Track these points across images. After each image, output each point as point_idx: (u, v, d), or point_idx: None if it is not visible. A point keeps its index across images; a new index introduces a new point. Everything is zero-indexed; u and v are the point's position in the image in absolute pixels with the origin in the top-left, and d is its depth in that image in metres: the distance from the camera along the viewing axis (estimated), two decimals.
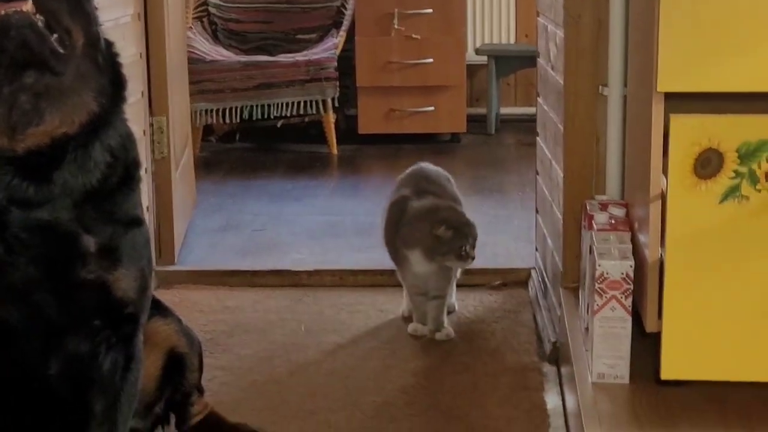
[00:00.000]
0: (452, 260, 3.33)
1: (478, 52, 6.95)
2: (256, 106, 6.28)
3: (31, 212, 2.06)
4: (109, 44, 2.17)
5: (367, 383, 3.08)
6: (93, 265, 2.12)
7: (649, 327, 2.55)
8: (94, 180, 2.12)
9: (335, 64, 6.31)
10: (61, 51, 1.99)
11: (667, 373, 2.52)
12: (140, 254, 2.21)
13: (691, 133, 2.40)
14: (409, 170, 3.61)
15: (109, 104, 2.13)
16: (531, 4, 6.12)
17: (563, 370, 3.03)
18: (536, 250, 3.94)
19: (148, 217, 3.87)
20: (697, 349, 2.49)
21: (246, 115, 6.29)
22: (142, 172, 2.30)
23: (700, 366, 2.51)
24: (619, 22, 3.00)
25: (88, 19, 2.07)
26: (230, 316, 3.63)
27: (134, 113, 3.41)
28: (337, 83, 6.30)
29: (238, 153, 6.51)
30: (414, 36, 6.47)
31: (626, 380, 2.62)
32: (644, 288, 2.55)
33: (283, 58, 6.43)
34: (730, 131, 2.40)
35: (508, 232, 4.53)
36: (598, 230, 2.74)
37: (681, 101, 2.48)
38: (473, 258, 3.33)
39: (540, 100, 3.81)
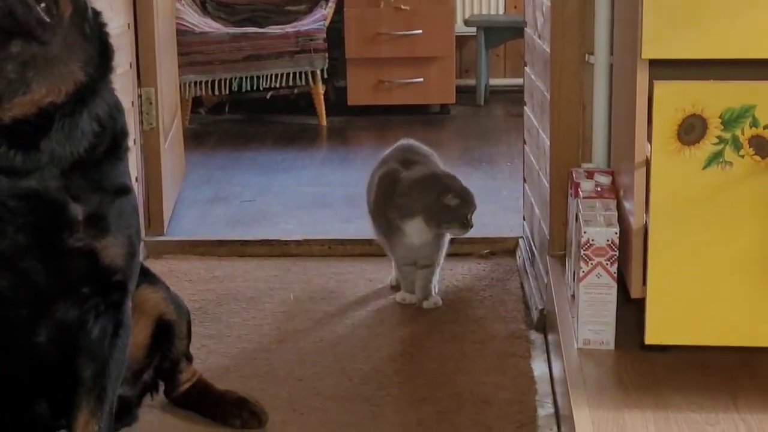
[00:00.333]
0: (455, 228, 3.34)
1: (467, 23, 6.95)
2: (245, 77, 6.28)
3: (18, 181, 2.08)
4: (97, 14, 2.17)
5: (355, 351, 3.10)
6: (81, 233, 2.13)
7: (634, 293, 2.57)
8: (81, 149, 2.13)
9: (324, 35, 6.31)
10: (48, 20, 1.99)
11: (651, 338, 2.54)
12: (128, 222, 2.22)
13: (674, 99, 2.42)
14: (393, 147, 3.61)
15: (96, 74, 2.14)
16: None
17: (550, 337, 3.06)
18: (524, 219, 3.96)
19: (137, 188, 3.88)
20: (681, 314, 2.51)
21: (235, 86, 6.29)
22: (131, 143, 2.31)
23: (684, 331, 2.53)
24: None
25: None
26: (219, 286, 3.64)
27: (122, 84, 3.42)
28: (326, 55, 6.30)
29: (227, 125, 6.51)
30: (403, 7, 6.46)
31: (611, 346, 2.64)
32: (629, 254, 2.57)
33: (272, 29, 6.43)
34: (713, 97, 2.41)
35: (496, 202, 4.54)
36: (584, 198, 2.75)
37: (666, 68, 2.49)
38: (472, 226, 3.35)
39: (527, 69, 3.82)
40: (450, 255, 3.68)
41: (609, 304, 2.63)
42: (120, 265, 2.20)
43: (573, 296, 2.77)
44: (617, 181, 2.83)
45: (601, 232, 2.60)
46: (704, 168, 2.44)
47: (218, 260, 3.91)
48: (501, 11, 7.23)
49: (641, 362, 2.57)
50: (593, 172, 2.92)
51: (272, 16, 6.74)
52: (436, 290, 3.47)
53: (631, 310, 2.69)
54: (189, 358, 2.71)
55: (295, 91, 6.48)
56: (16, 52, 2.00)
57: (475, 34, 6.89)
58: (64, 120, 2.09)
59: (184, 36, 5.98)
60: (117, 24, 3.62)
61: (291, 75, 6.28)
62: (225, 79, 6.26)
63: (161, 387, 2.71)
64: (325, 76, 6.36)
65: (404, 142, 3.63)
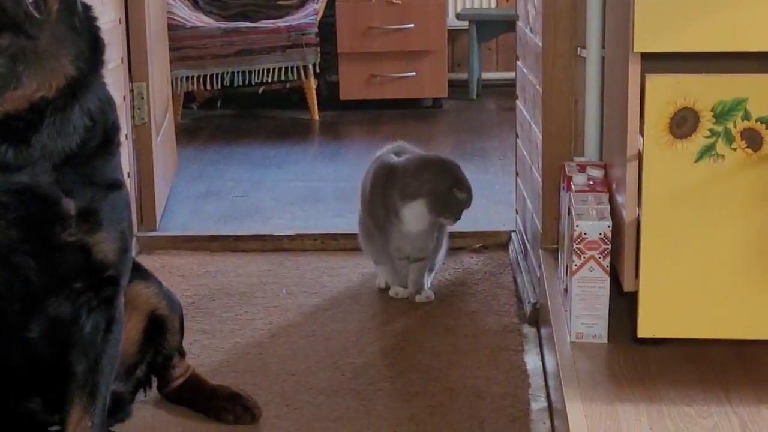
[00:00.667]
0: (450, 219, 3.35)
1: (459, 17, 6.95)
2: (237, 72, 6.27)
3: (10, 176, 2.07)
4: (87, 8, 2.17)
5: (347, 345, 3.10)
6: (73, 228, 2.13)
7: (627, 286, 2.57)
8: (73, 144, 2.12)
9: (316, 29, 6.31)
10: (36, 15, 1.99)
11: (644, 331, 2.54)
12: (120, 217, 2.22)
13: (666, 92, 2.42)
14: (386, 147, 3.60)
15: (87, 68, 2.13)
16: None
17: (543, 330, 3.06)
18: (516, 213, 3.96)
19: (129, 183, 3.87)
20: (674, 307, 2.51)
21: (227, 81, 6.28)
22: (123, 138, 2.31)
23: (676, 324, 2.53)
24: None
25: None
26: (212, 281, 3.64)
27: (114, 79, 3.41)
28: (318, 49, 6.29)
29: (219, 119, 6.51)
30: (395, 1, 6.46)
31: (604, 340, 2.64)
32: (622, 248, 2.57)
33: (263, 24, 6.42)
34: (705, 90, 2.41)
35: (489, 196, 4.55)
36: (577, 191, 2.75)
37: (658, 62, 2.49)
38: (459, 219, 3.37)
39: (519, 63, 3.82)
40: None
41: (602, 297, 2.63)
42: (112, 260, 2.20)
43: (566, 290, 2.77)
44: (609, 175, 2.83)
45: (593, 226, 2.60)
46: (696, 161, 2.44)
47: (211, 255, 3.91)
48: (493, 5, 7.23)
49: (634, 355, 2.57)
50: (585, 165, 2.92)
51: (264, 11, 6.74)
52: (429, 284, 3.47)
53: (623, 304, 2.69)
54: (182, 354, 2.70)
55: (287, 85, 6.48)
56: (5, 45, 1.99)
57: (467, 27, 6.89)
58: (56, 115, 2.09)
59: (175, 31, 5.97)
60: (108, 19, 3.62)
61: (283, 69, 6.28)
62: (217, 74, 6.25)
63: (154, 382, 2.70)
64: (317, 70, 6.36)
65: (399, 142, 3.63)
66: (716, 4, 2.37)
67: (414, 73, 6.53)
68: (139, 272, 2.54)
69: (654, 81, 2.42)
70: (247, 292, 3.53)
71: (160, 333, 2.59)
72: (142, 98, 4.09)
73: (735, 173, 2.42)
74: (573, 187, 2.78)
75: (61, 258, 2.14)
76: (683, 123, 2.42)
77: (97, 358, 2.25)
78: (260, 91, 6.50)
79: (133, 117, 4.07)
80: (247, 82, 6.30)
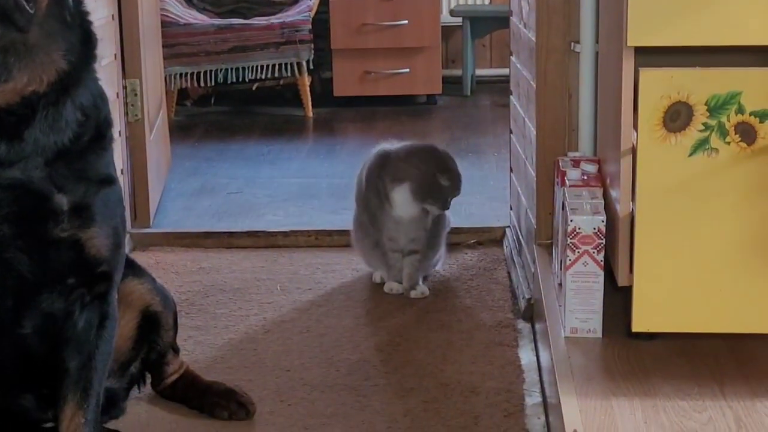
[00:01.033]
0: (436, 207, 3.34)
1: (452, 13, 6.94)
2: (231, 69, 6.26)
3: (3, 171, 2.07)
4: (78, 2, 2.16)
5: (342, 341, 3.09)
6: (66, 224, 2.12)
7: (621, 281, 2.57)
8: (65, 138, 2.12)
9: (310, 26, 6.29)
10: (27, 8, 1.98)
11: (638, 326, 2.54)
12: (113, 213, 2.21)
13: (660, 86, 2.41)
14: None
15: (78, 62, 2.13)
16: None
17: (537, 326, 3.05)
18: (510, 209, 3.96)
19: (123, 180, 3.87)
20: (668, 302, 2.51)
21: (221, 78, 6.27)
22: (116, 134, 2.30)
23: (671, 319, 2.53)
24: None
25: None
26: (206, 277, 3.63)
27: (107, 75, 3.40)
28: (312, 46, 6.28)
29: (213, 116, 6.50)
30: None
31: (599, 334, 2.64)
32: (616, 242, 2.57)
33: (257, 20, 6.41)
34: (699, 84, 2.41)
35: (483, 192, 4.54)
36: (571, 186, 2.75)
37: (651, 56, 2.49)
38: (448, 208, 3.36)
39: (513, 58, 3.82)
40: None
41: (596, 292, 2.63)
42: (105, 255, 2.19)
43: (560, 285, 2.76)
44: (603, 169, 2.83)
45: (587, 221, 2.60)
46: (690, 155, 2.44)
47: (205, 252, 3.90)
48: (487, 1, 7.22)
49: (629, 350, 2.57)
50: (579, 160, 2.92)
51: (257, 8, 6.73)
52: (424, 280, 3.47)
53: (618, 298, 2.69)
54: (176, 350, 2.70)
55: (281, 82, 6.47)
56: None
57: (461, 24, 6.88)
58: (48, 109, 2.08)
59: (168, 27, 5.96)
60: (101, 15, 3.61)
61: (277, 66, 6.27)
62: (210, 71, 6.24)
63: (148, 379, 2.70)
64: (311, 67, 6.35)
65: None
66: None
67: (408, 70, 6.53)
68: (133, 269, 2.54)
69: (648, 75, 2.42)
70: (241, 288, 3.52)
71: (154, 329, 2.59)
72: (136, 95, 4.08)
73: (729, 167, 2.42)
74: (567, 182, 2.78)
75: (54, 253, 2.14)
76: (677, 117, 2.42)
77: (90, 355, 2.25)
78: (254, 88, 6.50)
79: (126, 114, 4.07)
80: (240, 79, 6.29)
